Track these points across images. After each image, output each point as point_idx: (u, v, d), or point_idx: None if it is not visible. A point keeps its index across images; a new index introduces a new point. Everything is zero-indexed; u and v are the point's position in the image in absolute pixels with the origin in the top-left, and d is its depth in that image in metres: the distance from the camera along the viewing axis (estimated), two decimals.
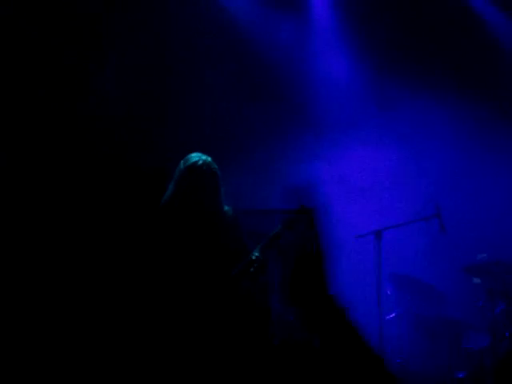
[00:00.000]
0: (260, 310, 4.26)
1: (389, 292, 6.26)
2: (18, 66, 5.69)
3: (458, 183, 6.83)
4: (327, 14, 7.05)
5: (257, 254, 4.06)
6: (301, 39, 7.01)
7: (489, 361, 5.38)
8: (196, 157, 4.17)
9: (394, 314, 6.16)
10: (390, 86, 6.85)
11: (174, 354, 3.88)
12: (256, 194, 6.06)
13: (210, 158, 4.19)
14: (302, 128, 6.74)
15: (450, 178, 6.85)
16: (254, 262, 4.05)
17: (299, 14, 7.02)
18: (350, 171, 6.88)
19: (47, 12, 5.83)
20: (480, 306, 5.79)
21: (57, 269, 5.13)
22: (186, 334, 3.90)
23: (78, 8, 6.00)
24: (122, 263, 4.73)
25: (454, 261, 6.36)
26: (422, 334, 5.87)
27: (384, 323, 5.70)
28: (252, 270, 4.03)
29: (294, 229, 4.20)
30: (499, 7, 6.95)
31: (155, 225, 4.09)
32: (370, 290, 5.92)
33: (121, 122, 5.93)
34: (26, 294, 4.91)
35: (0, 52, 5.60)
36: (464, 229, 6.64)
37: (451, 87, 6.80)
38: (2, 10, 5.68)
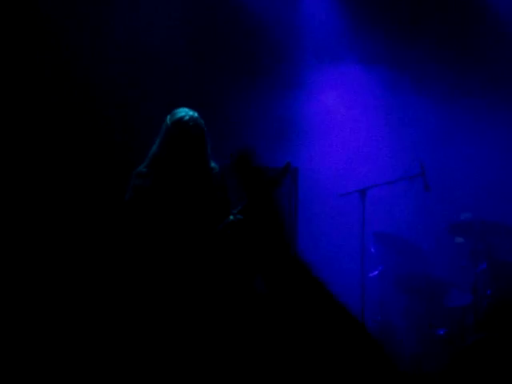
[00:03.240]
0: (245, 264, 4.27)
1: (372, 250, 6.29)
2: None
3: (443, 142, 6.82)
4: None
5: (239, 215, 4.04)
6: None
7: (470, 318, 5.44)
8: (182, 112, 4.13)
9: (377, 272, 6.19)
10: (374, 41, 6.76)
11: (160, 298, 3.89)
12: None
13: (196, 114, 4.15)
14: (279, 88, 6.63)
15: (435, 137, 6.84)
16: (236, 221, 4.04)
17: None
18: (334, 130, 6.84)
19: None
20: (462, 265, 5.82)
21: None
22: (173, 286, 3.90)
23: None
24: (107, 220, 4.72)
25: (437, 220, 6.39)
26: (404, 292, 5.91)
27: (367, 281, 5.74)
28: (235, 228, 4.02)
29: (281, 184, 4.17)
30: None
31: (141, 180, 4.06)
32: (353, 249, 5.95)
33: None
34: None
35: None
36: (449, 188, 6.65)
37: (440, 44, 6.75)
38: None
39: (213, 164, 4.20)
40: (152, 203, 4.03)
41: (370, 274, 6.12)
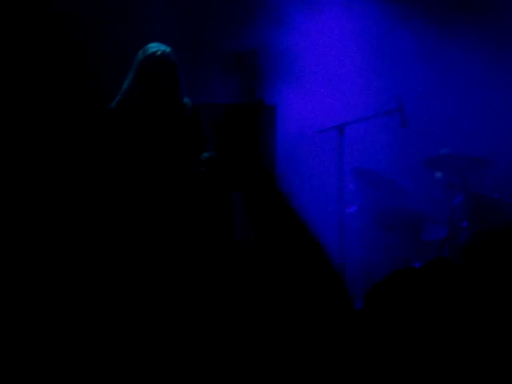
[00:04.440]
0: (221, 204, 4.28)
1: (351, 186, 6.32)
2: None
3: (422, 77, 6.79)
4: None
5: (213, 151, 4.06)
6: None
7: (446, 251, 5.52)
8: (155, 47, 4.10)
9: (355, 208, 6.24)
10: None
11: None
12: (217, 89, 5.97)
13: (169, 49, 4.11)
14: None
15: (414, 73, 6.80)
16: (211, 158, 4.06)
17: None
18: (312, 65, 6.78)
19: None
20: (439, 199, 5.88)
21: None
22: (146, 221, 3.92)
23: None
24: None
25: (415, 155, 6.41)
26: (382, 227, 5.97)
27: (345, 216, 5.78)
28: (209, 166, 4.04)
29: (257, 119, 4.16)
30: None
31: (113, 116, 4.05)
32: (332, 185, 5.97)
33: None
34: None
35: None
36: (427, 123, 6.66)
37: None
38: None
39: (186, 100, 4.18)
40: (124, 139, 4.02)
41: (348, 210, 6.16)
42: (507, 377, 1.38)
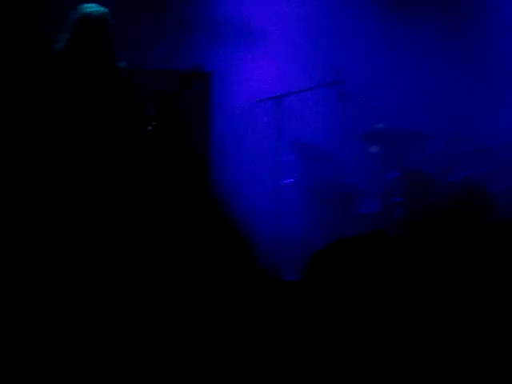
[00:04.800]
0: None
1: (288, 158, 6.29)
2: None
3: (361, 52, 6.79)
4: None
5: (153, 113, 3.99)
6: None
7: (379, 225, 5.56)
8: (90, 7, 3.97)
9: (292, 180, 6.22)
10: None
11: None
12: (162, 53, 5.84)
13: (105, 9, 3.99)
14: None
15: (353, 47, 6.79)
16: (151, 119, 3.99)
17: None
18: (252, 33, 6.69)
19: None
20: (375, 173, 5.92)
21: None
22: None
23: None
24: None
25: (353, 129, 6.42)
26: (318, 199, 5.98)
27: (282, 188, 5.76)
28: (150, 128, 3.97)
29: (192, 88, 4.10)
30: None
31: (48, 75, 3.91)
32: (269, 156, 5.94)
33: None
34: None
35: None
36: (365, 97, 6.67)
37: None
38: None
39: (123, 63, 4.08)
40: (56, 102, 3.90)
41: (285, 182, 6.14)
42: (433, 342, 1.38)
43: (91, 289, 3.53)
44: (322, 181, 6.03)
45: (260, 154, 6.41)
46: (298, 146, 6.25)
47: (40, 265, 3.78)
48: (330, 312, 1.57)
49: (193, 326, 1.52)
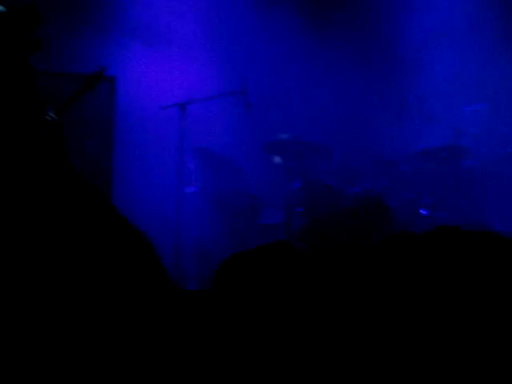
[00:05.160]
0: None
1: (191, 166, 6.24)
2: None
3: (268, 63, 6.83)
4: None
5: (52, 114, 3.84)
6: None
7: (281, 235, 5.59)
8: None
9: (194, 188, 6.18)
10: None
11: None
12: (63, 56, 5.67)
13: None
14: None
15: (261, 57, 6.83)
16: (48, 123, 3.84)
17: None
18: (158, 39, 6.62)
19: None
20: (278, 184, 5.95)
21: None
22: None
23: None
24: None
25: (257, 139, 6.44)
26: (221, 208, 5.96)
27: (184, 196, 5.70)
28: (46, 131, 3.83)
29: (95, 89, 3.99)
30: None
31: None
32: (172, 164, 5.87)
33: None
34: None
35: None
36: (269, 108, 6.71)
37: None
38: None
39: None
40: None
41: (188, 190, 6.09)
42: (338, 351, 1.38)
43: None
44: (224, 190, 6.01)
45: (164, 161, 6.33)
46: (202, 153, 6.21)
47: None
48: (238, 321, 1.55)
49: (95, 334, 1.46)
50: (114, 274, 1.51)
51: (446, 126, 6.36)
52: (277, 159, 6.40)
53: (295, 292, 1.53)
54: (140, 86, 6.40)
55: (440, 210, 5.84)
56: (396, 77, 6.76)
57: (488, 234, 1.34)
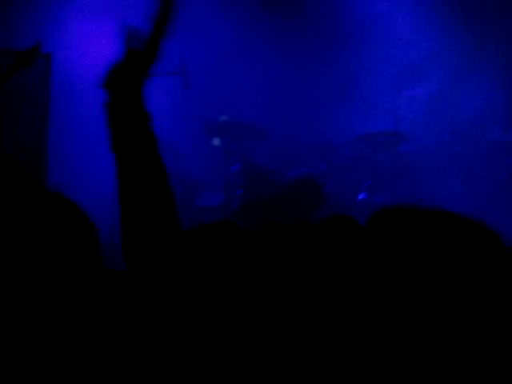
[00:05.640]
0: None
1: None
2: None
3: (210, 44, 6.76)
4: None
5: None
6: None
7: (219, 217, 5.56)
8: None
9: None
10: None
11: None
12: None
13: None
14: None
15: (201, 38, 6.75)
16: None
17: None
18: (98, 14, 6.47)
19: None
20: (216, 166, 5.91)
21: None
22: None
23: None
24: None
25: (196, 120, 6.38)
26: None
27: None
28: None
29: (30, 65, 3.86)
30: None
31: None
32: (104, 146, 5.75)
33: None
34: None
35: None
36: (209, 90, 6.66)
37: None
38: None
39: None
40: None
41: None
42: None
43: None
44: None
45: (101, 141, 6.21)
46: None
47: None
48: (186, 299, 1.52)
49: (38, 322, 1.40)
50: (48, 252, 1.46)
51: (385, 112, 6.42)
52: (216, 141, 6.36)
53: (243, 267, 1.51)
54: (78, 64, 6.25)
55: (378, 195, 5.91)
56: (336, 61, 6.79)
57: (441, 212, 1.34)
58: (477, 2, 6.49)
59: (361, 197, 5.86)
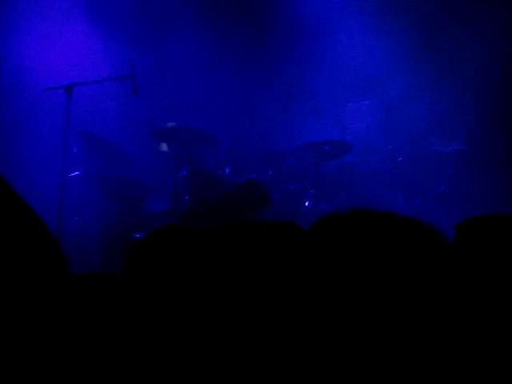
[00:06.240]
0: None
1: (76, 150, 6.11)
2: None
3: (157, 48, 6.78)
4: None
5: None
6: None
7: (167, 222, 5.56)
8: None
9: (78, 173, 6.04)
10: None
11: None
12: None
13: None
14: None
15: (148, 43, 6.77)
16: None
17: None
18: (43, 16, 6.42)
19: None
20: (164, 171, 5.93)
21: None
22: None
23: None
24: None
25: (145, 125, 6.38)
26: (105, 194, 5.87)
27: (67, 181, 5.57)
28: None
29: None
30: None
31: None
32: (56, 147, 5.72)
33: None
34: None
35: None
36: (158, 95, 6.67)
37: None
38: None
39: None
40: None
41: (71, 174, 5.95)
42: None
43: None
44: (109, 175, 5.93)
45: (47, 144, 6.17)
46: (88, 138, 6.09)
47: None
48: (151, 303, 1.55)
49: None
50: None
51: (332, 122, 6.53)
52: (164, 147, 6.37)
53: (202, 269, 1.55)
54: (24, 66, 6.19)
55: (323, 203, 6.00)
56: (285, 69, 6.88)
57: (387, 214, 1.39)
58: (427, 16, 6.65)
59: (306, 204, 5.95)
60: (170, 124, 6.31)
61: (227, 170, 6.15)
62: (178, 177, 5.65)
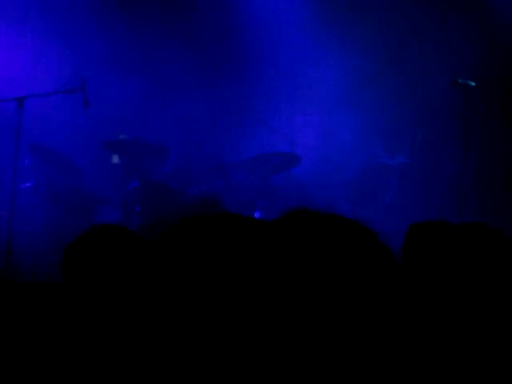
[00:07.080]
0: None
1: (27, 162, 6.12)
2: None
3: (108, 60, 6.81)
4: None
5: None
6: None
7: None
8: None
9: (29, 184, 6.06)
10: None
11: None
12: None
13: None
14: None
15: (99, 55, 6.80)
16: None
17: None
18: None
19: None
20: (116, 182, 5.97)
21: None
22: None
23: None
24: None
25: (95, 137, 6.41)
26: (56, 205, 5.89)
27: (18, 193, 5.58)
28: None
29: None
30: None
31: None
32: (7, 159, 5.73)
33: None
34: None
35: None
36: (109, 108, 6.70)
37: None
38: None
39: None
40: None
41: (22, 186, 5.96)
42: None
43: None
44: (59, 187, 5.95)
45: None
46: (38, 149, 6.10)
47: None
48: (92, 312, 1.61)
49: None
50: None
51: (281, 135, 6.65)
52: (115, 158, 6.42)
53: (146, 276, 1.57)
54: None
55: (272, 213, 6.11)
56: (237, 82, 6.97)
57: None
58: (384, 30, 6.80)
59: (255, 215, 6.06)
60: (121, 136, 6.35)
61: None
62: (129, 188, 5.71)
